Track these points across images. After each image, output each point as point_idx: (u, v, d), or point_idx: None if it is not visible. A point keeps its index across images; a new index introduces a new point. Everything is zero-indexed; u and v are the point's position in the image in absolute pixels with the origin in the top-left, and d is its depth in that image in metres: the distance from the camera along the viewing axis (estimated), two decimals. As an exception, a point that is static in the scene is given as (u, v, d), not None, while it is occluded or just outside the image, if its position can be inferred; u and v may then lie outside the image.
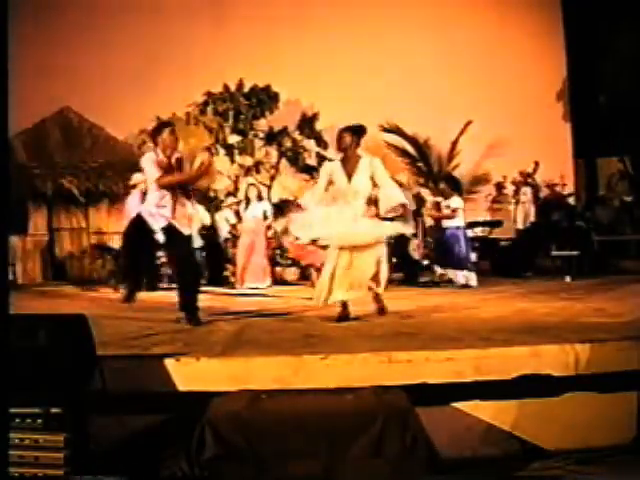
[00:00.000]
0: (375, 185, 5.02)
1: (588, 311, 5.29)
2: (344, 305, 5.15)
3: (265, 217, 9.09)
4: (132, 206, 8.44)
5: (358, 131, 5.07)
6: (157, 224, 4.98)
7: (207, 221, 9.16)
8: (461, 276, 8.11)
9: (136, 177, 9.44)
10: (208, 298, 6.69)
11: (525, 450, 3.43)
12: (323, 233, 5.03)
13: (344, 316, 5.12)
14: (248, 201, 9.16)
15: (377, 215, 5.01)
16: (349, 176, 4.99)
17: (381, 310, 5.26)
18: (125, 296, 5.23)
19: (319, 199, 5.17)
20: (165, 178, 4.91)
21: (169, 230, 4.97)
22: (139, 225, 5.09)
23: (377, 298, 5.25)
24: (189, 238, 5.15)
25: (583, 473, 3.16)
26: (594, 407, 3.51)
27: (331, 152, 13.14)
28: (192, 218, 5.23)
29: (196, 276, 5.63)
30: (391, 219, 5.10)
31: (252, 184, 9.88)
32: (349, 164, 5.02)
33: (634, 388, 3.54)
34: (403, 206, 5.06)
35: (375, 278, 5.09)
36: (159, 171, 4.92)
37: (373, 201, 5.06)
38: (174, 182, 4.95)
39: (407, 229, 5.68)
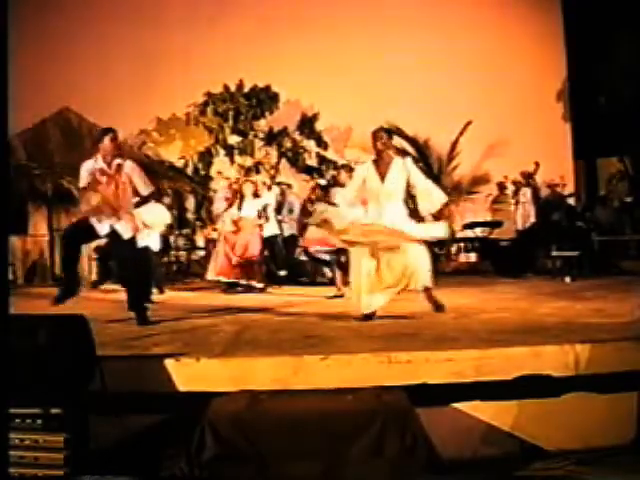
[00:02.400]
0: (409, 186, 4.96)
1: (588, 311, 5.28)
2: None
3: (260, 216, 8.33)
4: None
5: (390, 132, 5.07)
6: (102, 230, 5.02)
7: (168, 220, 8.59)
8: None
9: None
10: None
11: (525, 450, 3.43)
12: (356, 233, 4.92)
13: (370, 315, 5.03)
14: (242, 198, 8.34)
15: (418, 216, 4.97)
16: (382, 177, 4.94)
17: (439, 307, 5.03)
18: (57, 297, 4.95)
19: (350, 201, 5.10)
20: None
21: (113, 235, 5.02)
22: (84, 228, 5.07)
23: (429, 296, 5.09)
24: (131, 241, 5.09)
25: (583, 473, 3.16)
26: (594, 407, 3.50)
27: (331, 152, 13.20)
28: (136, 220, 5.11)
29: (141, 277, 5.44)
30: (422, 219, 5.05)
31: (249, 180, 9.13)
32: (382, 165, 4.97)
33: (634, 388, 3.54)
34: (447, 205, 5.06)
35: (416, 276, 4.94)
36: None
37: (410, 202, 5.02)
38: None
39: (449, 230, 5.49)
